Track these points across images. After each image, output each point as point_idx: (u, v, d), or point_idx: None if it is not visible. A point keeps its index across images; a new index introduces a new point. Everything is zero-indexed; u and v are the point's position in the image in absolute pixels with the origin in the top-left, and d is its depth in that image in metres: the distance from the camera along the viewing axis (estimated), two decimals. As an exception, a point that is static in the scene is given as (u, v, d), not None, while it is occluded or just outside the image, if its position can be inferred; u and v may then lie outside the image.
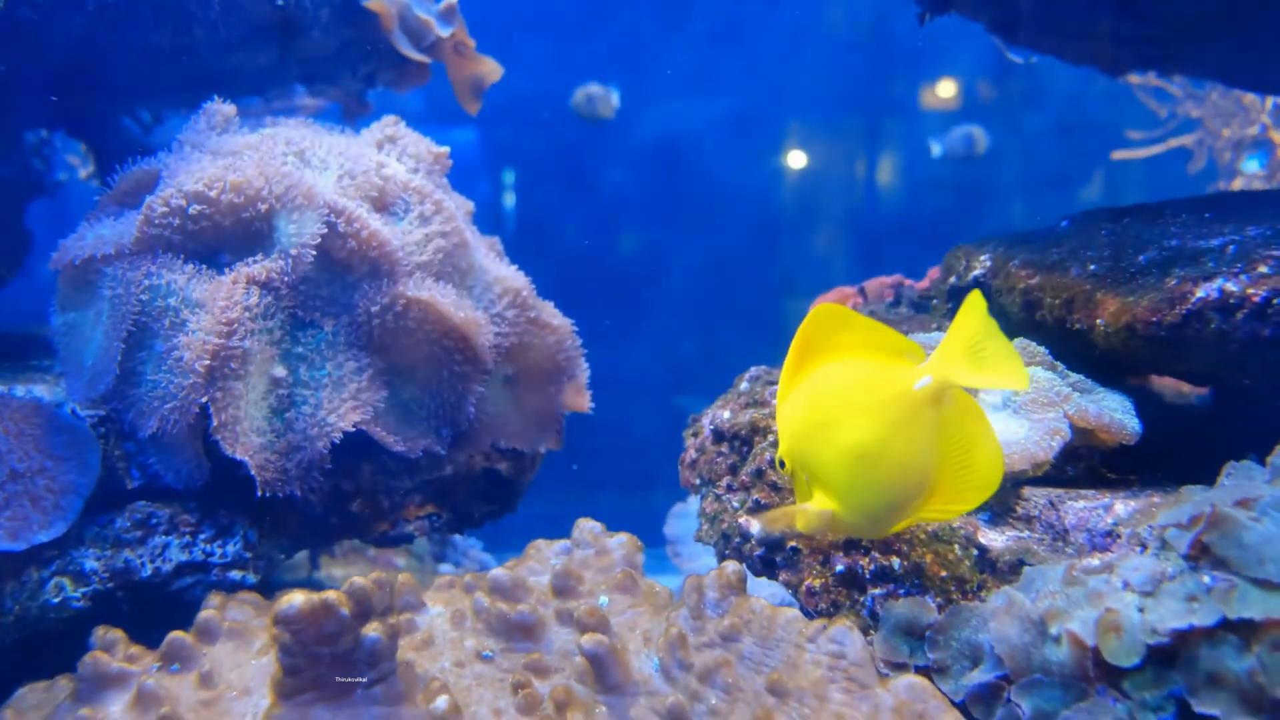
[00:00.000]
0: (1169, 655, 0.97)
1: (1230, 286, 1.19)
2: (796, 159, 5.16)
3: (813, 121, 5.16)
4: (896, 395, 1.01)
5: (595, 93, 4.11)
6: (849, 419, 1.04)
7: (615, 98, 4.18)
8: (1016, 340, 1.41)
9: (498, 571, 1.30)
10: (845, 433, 1.04)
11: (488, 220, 1.94)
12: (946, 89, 5.05)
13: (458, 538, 3.10)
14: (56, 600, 1.40)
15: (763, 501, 1.46)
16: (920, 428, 1.01)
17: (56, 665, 1.30)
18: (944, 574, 1.22)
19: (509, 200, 5.08)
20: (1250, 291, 1.17)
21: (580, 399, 1.87)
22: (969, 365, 0.99)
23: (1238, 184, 3.79)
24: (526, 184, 5.10)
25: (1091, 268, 1.40)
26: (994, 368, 0.99)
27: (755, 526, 1.37)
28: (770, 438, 1.53)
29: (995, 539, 1.23)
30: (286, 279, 1.48)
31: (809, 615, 1.31)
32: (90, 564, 1.43)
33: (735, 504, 1.50)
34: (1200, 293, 1.21)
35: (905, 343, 1.06)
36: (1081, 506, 1.22)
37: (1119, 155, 3.96)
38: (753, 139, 5.16)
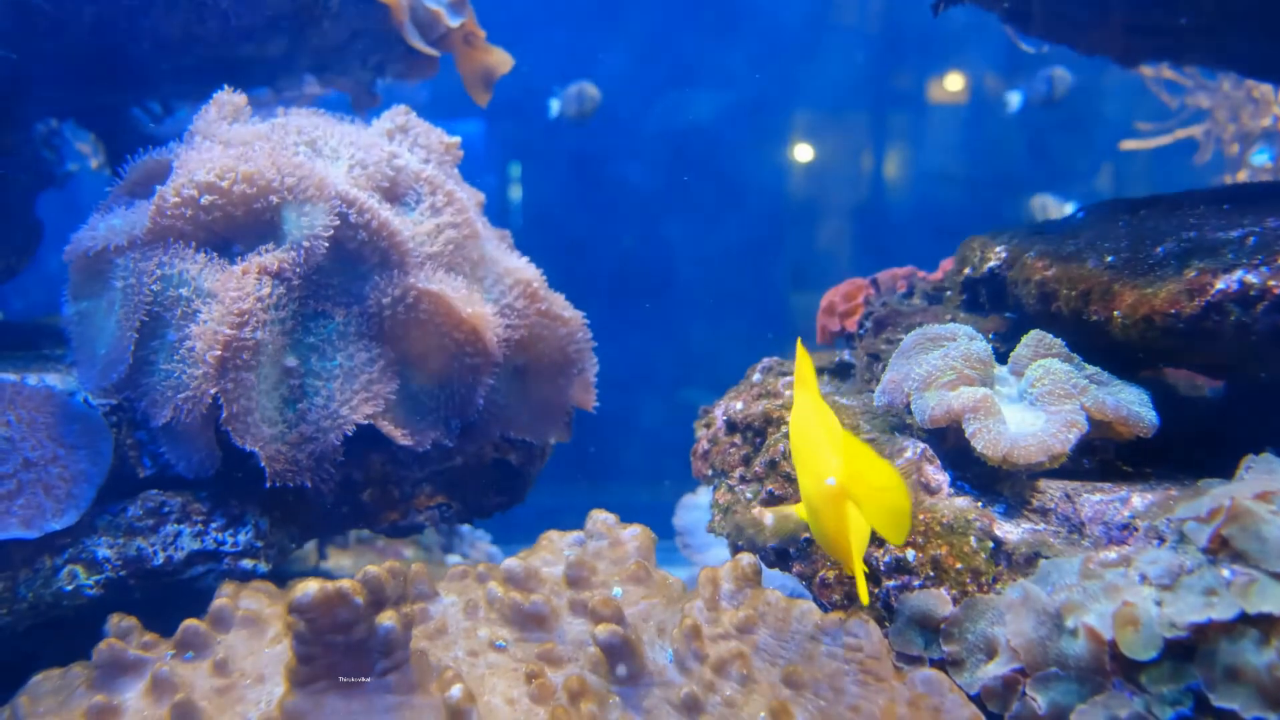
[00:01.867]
0: (1187, 649, 0.96)
1: (1250, 278, 1.18)
2: (806, 151, 5.15)
3: (822, 114, 5.14)
4: (819, 478, 1.09)
5: (585, 92, 4.11)
6: (804, 472, 1.16)
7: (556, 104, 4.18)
8: (1033, 331, 1.40)
9: (511, 561, 1.29)
10: (803, 480, 1.16)
11: (495, 213, 1.94)
12: (954, 82, 5.03)
13: (466, 529, 3.11)
14: (70, 588, 1.40)
15: (776, 493, 1.45)
16: (835, 508, 1.07)
17: (69, 652, 1.30)
18: (959, 566, 1.21)
19: (516, 193, 5.07)
20: (1271, 284, 1.16)
21: (586, 395, 1.86)
22: (863, 492, 1.06)
23: (1243, 176, 3.77)
24: (534, 176, 5.09)
25: (1109, 259, 1.39)
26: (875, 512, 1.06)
27: (769, 518, 1.37)
28: (783, 429, 1.53)
29: (1011, 531, 1.22)
30: (299, 269, 1.47)
31: (823, 607, 1.31)
32: (103, 552, 1.43)
33: (748, 495, 1.50)
34: (1220, 285, 1.20)
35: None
36: (1098, 499, 1.22)
37: (1127, 145, 3.94)
38: (762, 131, 5.14)
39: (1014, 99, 4.36)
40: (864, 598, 1.09)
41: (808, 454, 1.16)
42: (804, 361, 1.25)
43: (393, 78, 2.44)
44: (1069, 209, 4.26)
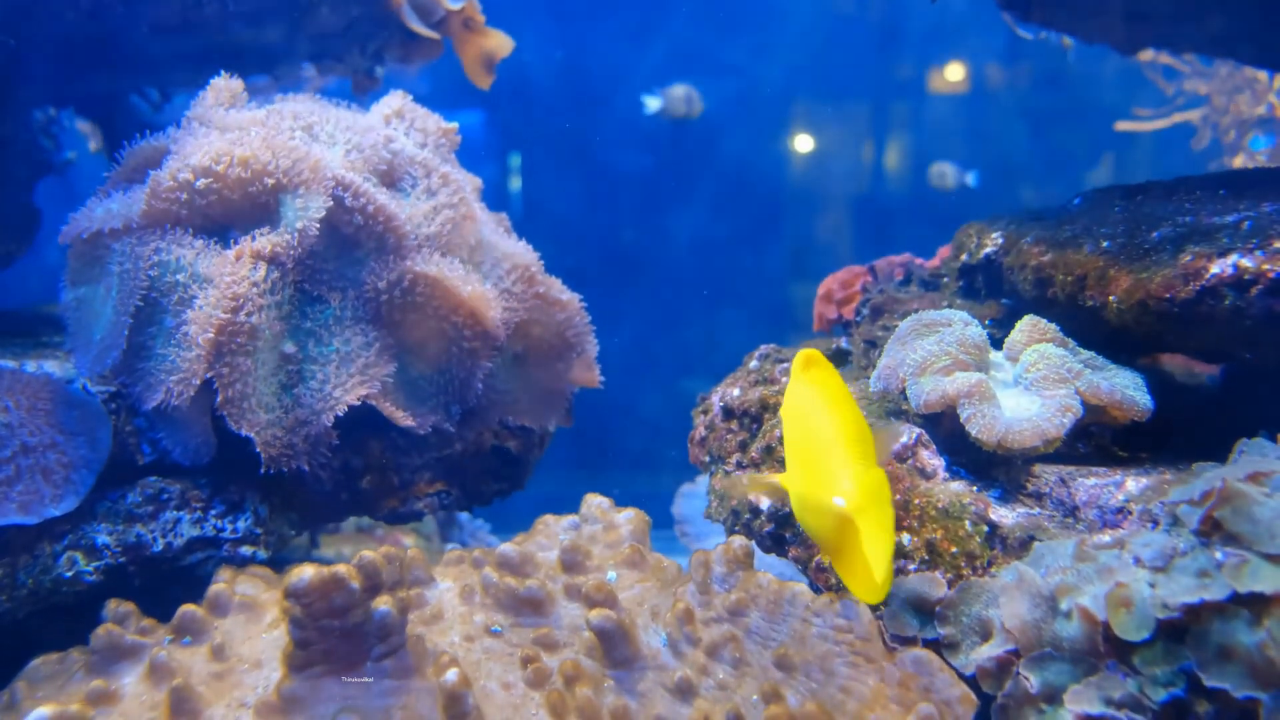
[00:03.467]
0: (1180, 630, 0.96)
1: (1245, 263, 1.18)
2: (804, 140, 5.13)
3: (821, 103, 5.13)
4: (824, 493, 1.06)
5: (692, 95, 4.20)
6: (800, 466, 1.13)
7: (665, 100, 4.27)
8: (1027, 316, 1.40)
9: (506, 547, 1.30)
10: (796, 471, 1.13)
11: (494, 201, 1.94)
12: (955, 72, 5.01)
13: (464, 518, 3.11)
14: (69, 574, 1.41)
15: (772, 478, 1.46)
16: (836, 520, 1.04)
17: (68, 638, 1.30)
18: (954, 550, 1.22)
19: (515, 182, 5.06)
20: (1266, 268, 1.16)
21: (590, 374, 1.86)
22: (866, 522, 1.03)
23: (1239, 161, 3.76)
24: (532, 165, 5.08)
25: (1105, 244, 1.39)
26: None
27: (765, 502, 1.37)
28: (780, 414, 1.53)
29: (1006, 515, 1.23)
30: (293, 253, 1.47)
31: (819, 591, 1.31)
32: (102, 538, 1.43)
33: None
34: (1215, 269, 1.20)
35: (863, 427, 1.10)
36: (1092, 483, 1.22)
37: (1123, 126, 3.93)
38: (761, 120, 5.13)
39: (1068, 41, 4.31)
40: (872, 597, 1.04)
41: (814, 451, 1.11)
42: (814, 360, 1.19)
43: (392, 62, 2.43)
44: (970, 179, 4.28)
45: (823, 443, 1.10)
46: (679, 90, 4.17)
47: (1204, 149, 3.81)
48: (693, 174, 5.08)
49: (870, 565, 1.02)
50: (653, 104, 4.18)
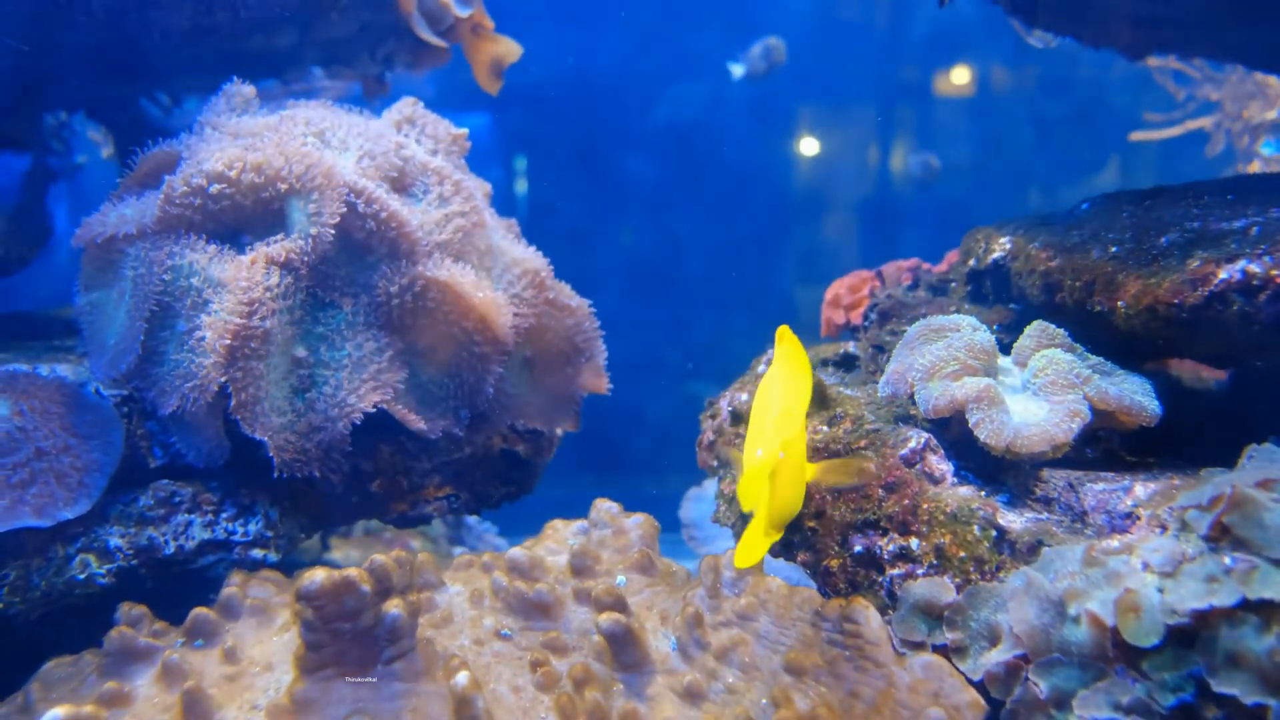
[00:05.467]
0: (1189, 636, 0.97)
1: (1254, 268, 1.18)
2: (810, 144, 5.14)
3: (828, 106, 5.13)
4: (756, 450, 1.18)
5: (770, 44, 4.30)
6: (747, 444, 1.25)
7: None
8: (1036, 322, 1.41)
9: (515, 551, 1.30)
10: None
11: (500, 205, 1.94)
12: (961, 75, 5.01)
13: (472, 520, 3.12)
14: (82, 576, 1.42)
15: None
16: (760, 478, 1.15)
17: (81, 640, 1.32)
18: (963, 555, 1.22)
19: (521, 186, 5.08)
20: (1274, 273, 1.17)
21: (599, 381, 1.87)
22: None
23: (1255, 168, 3.74)
24: (539, 169, 5.09)
25: (1113, 250, 1.39)
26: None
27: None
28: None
29: (1014, 520, 1.23)
30: (307, 259, 1.48)
31: (827, 596, 1.32)
32: (115, 541, 1.44)
33: (753, 485, 1.50)
34: (1223, 274, 1.21)
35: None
36: (1100, 488, 1.22)
37: (1136, 136, 3.92)
38: (767, 124, 5.13)
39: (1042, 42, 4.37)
40: (741, 560, 1.12)
41: (752, 427, 1.22)
42: (788, 341, 1.31)
43: (401, 69, 2.45)
44: (934, 160, 4.36)
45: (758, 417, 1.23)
46: (756, 49, 4.28)
47: (1218, 155, 3.79)
48: (700, 178, 5.09)
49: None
50: (737, 70, 4.26)
